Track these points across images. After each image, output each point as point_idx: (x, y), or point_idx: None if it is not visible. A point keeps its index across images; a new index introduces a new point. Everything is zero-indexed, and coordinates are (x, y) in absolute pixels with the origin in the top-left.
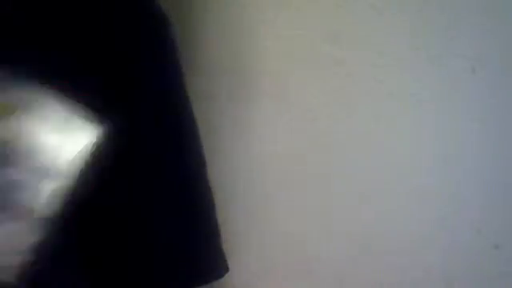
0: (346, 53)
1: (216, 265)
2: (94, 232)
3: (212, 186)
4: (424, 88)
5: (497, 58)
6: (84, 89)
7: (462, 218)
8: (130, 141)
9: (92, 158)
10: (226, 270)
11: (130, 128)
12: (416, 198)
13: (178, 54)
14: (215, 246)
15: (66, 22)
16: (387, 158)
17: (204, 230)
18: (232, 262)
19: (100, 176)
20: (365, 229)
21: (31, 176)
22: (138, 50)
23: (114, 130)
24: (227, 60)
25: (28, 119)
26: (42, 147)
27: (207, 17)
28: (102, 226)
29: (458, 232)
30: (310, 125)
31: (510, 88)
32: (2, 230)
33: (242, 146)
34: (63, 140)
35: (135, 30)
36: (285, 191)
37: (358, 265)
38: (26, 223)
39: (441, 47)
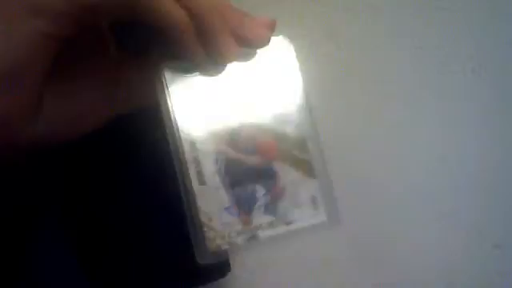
0: (345, 53)
1: (218, 264)
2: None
3: None
4: (424, 88)
5: (497, 58)
6: None
7: (462, 218)
8: None
9: None
10: (228, 269)
11: None
12: (416, 198)
13: None
14: None
15: None
16: (387, 158)
17: None
18: (233, 261)
19: None
20: (364, 229)
21: None
22: None
23: None
24: None
25: None
26: None
27: None
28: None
29: (458, 232)
30: None
31: (510, 88)
32: None
33: None
34: None
35: None
36: None
37: (358, 265)
38: None
39: (441, 47)
